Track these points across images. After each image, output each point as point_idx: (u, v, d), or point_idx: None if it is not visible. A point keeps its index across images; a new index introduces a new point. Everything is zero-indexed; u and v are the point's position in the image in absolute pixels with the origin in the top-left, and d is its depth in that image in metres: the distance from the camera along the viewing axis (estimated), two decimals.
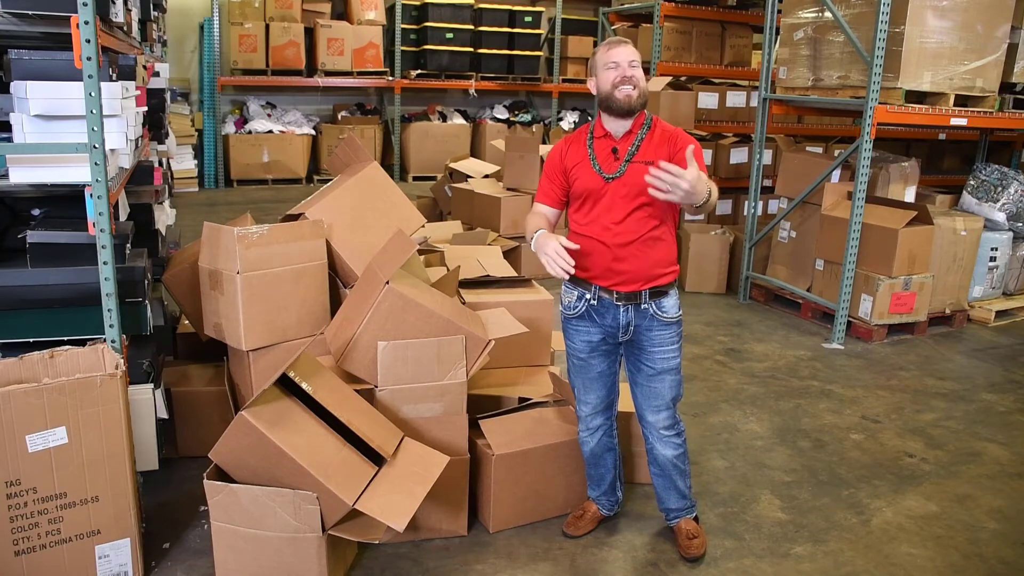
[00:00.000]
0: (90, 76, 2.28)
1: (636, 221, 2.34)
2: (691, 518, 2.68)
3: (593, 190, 2.37)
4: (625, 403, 2.71)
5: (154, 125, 4.50)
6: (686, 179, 2.06)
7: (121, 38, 3.04)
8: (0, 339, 2.61)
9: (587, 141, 2.42)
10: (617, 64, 2.34)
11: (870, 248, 4.77)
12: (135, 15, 3.50)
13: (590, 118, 10.88)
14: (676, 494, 2.64)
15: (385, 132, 10.26)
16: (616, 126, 2.38)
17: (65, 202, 2.91)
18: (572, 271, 2.20)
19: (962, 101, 4.74)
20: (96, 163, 2.34)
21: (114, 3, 2.69)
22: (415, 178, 10.12)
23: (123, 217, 3.26)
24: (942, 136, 7.10)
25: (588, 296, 2.42)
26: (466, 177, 6.46)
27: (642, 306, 2.40)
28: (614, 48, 2.36)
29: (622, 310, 2.40)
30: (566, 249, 2.20)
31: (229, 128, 9.44)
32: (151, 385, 2.79)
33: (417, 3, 10.06)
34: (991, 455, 3.47)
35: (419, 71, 10.12)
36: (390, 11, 9.91)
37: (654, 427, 2.54)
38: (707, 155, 6.33)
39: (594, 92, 2.44)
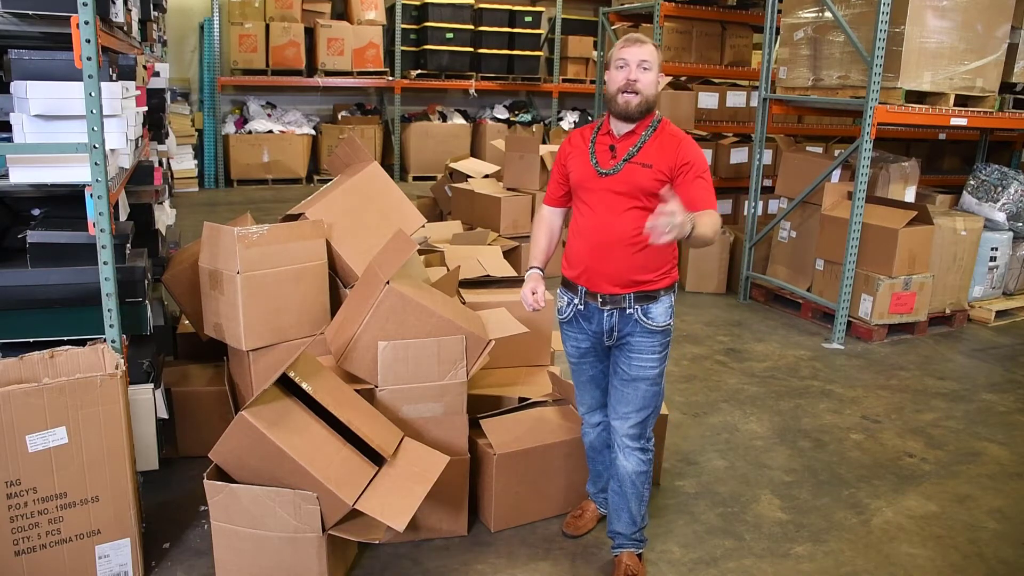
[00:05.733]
0: (90, 76, 2.27)
1: (626, 222, 2.25)
2: (635, 553, 2.51)
3: (585, 182, 2.31)
4: None
5: (154, 125, 4.50)
6: (675, 212, 1.92)
7: (121, 38, 3.03)
8: (0, 339, 2.61)
9: (592, 135, 2.37)
10: (625, 63, 2.23)
11: (870, 248, 4.77)
12: (135, 15, 3.50)
13: (590, 118, 10.91)
14: (627, 517, 2.46)
15: (385, 132, 10.26)
16: (618, 125, 2.29)
17: (65, 202, 2.90)
18: (539, 307, 2.38)
19: (962, 101, 4.74)
20: (96, 163, 2.34)
21: (114, 3, 2.68)
22: (415, 178, 10.12)
23: (123, 217, 3.26)
24: (942, 136, 7.11)
25: (576, 301, 2.38)
26: (466, 177, 6.45)
27: (627, 311, 2.30)
28: (628, 47, 2.24)
29: (606, 314, 2.32)
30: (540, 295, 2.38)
31: (229, 128, 9.44)
32: (151, 385, 2.79)
33: (417, 3, 10.06)
34: (991, 455, 3.47)
35: (419, 71, 10.12)
36: (390, 11, 9.90)
37: (618, 433, 2.41)
38: (707, 155, 6.32)
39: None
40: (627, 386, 2.36)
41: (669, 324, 2.35)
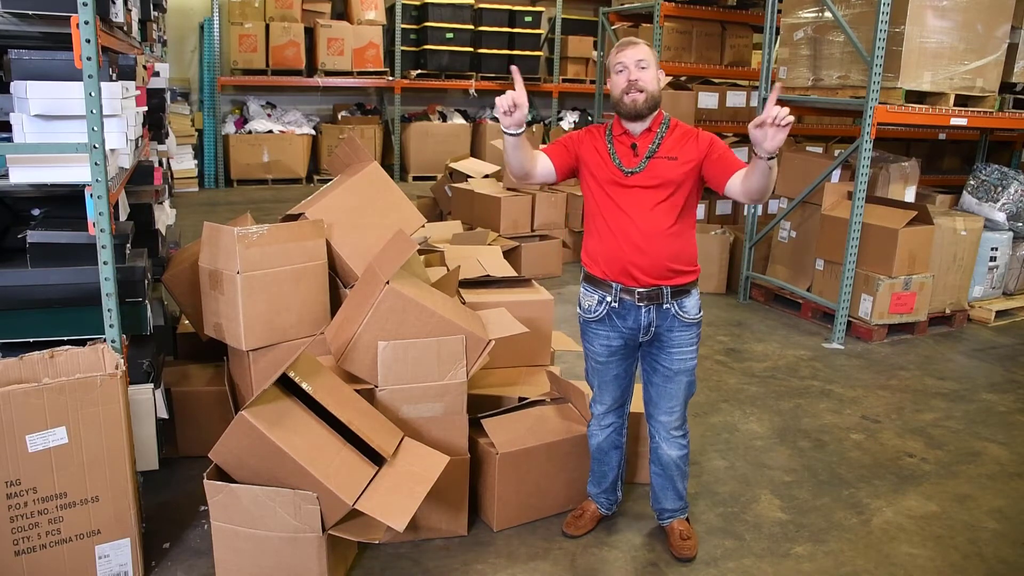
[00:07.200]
0: (90, 76, 2.27)
1: (657, 216, 2.35)
2: (683, 519, 2.69)
3: (612, 183, 2.38)
4: (632, 404, 2.70)
5: (154, 125, 4.50)
6: (780, 110, 2.14)
7: (121, 38, 3.03)
8: (0, 339, 2.61)
9: (607, 137, 2.43)
10: (624, 67, 2.34)
11: (870, 248, 4.77)
12: (135, 15, 3.50)
13: (590, 118, 10.91)
14: (674, 495, 2.64)
15: (385, 132, 10.26)
16: (632, 126, 2.39)
17: (65, 202, 2.90)
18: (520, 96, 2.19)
19: (962, 101, 4.74)
20: (96, 163, 2.34)
21: (114, 3, 2.68)
22: (415, 178, 10.12)
23: (123, 217, 3.26)
24: (942, 136, 7.11)
25: (609, 299, 2.42)
26: (466, 177, 6.46)
27: (664, 306, 2.40)
28: (623, 50, 2.36)
29: (643, 311, 2.40)
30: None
31: (229, 128, 9.43)
32: (151, 385, 2.79)
33: (417, 3, 10.06)
34: (991, 455, 3.47)
35: (419, 71, 10.12)
36: (390, 11, 9.90)
37: (664, 427, 2.55)
38: None
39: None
40: (670, 382, 2.49)
41: (701, 316, 2.48)
